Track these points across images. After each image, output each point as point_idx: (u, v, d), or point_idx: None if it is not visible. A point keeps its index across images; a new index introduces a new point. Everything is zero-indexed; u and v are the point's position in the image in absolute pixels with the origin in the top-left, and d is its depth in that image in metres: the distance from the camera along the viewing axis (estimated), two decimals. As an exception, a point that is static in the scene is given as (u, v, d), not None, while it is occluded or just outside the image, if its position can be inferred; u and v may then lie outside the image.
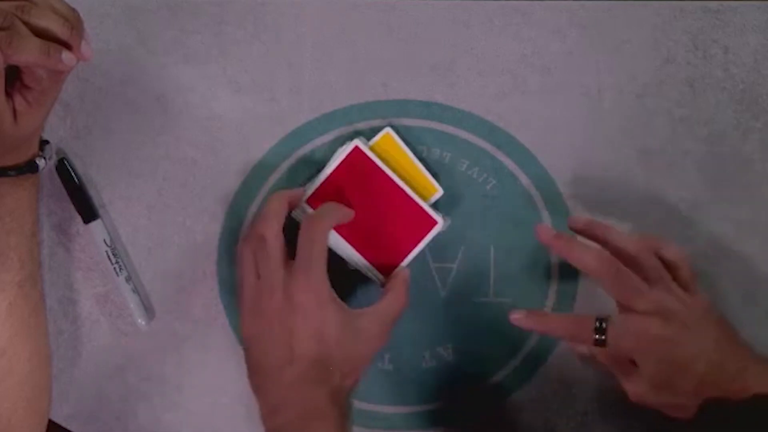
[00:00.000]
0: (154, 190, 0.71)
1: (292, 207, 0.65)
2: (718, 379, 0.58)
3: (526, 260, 0.70)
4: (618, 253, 0.62)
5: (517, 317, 0.64)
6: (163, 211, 0.71)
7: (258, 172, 0.70)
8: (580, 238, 0.65)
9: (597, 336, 0.60)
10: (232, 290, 0.71)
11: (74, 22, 0.56)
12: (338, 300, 0.62)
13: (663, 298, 0.60)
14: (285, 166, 0.70)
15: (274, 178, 0.70)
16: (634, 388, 0.61)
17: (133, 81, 0.70)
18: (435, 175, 0.69)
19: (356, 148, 0.67)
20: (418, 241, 0.68)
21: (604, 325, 0.60)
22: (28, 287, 0.65)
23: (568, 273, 0.69)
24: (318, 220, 0.63)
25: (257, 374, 0.62)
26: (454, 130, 0.69)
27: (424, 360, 0.70)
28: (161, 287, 0.71)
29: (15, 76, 0.58)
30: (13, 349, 0.64)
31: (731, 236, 0.69)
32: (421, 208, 0.67)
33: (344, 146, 0.68)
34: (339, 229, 0.67)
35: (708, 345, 0.59)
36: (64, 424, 0.71)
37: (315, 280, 0.61)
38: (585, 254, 0.62)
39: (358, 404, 0.71)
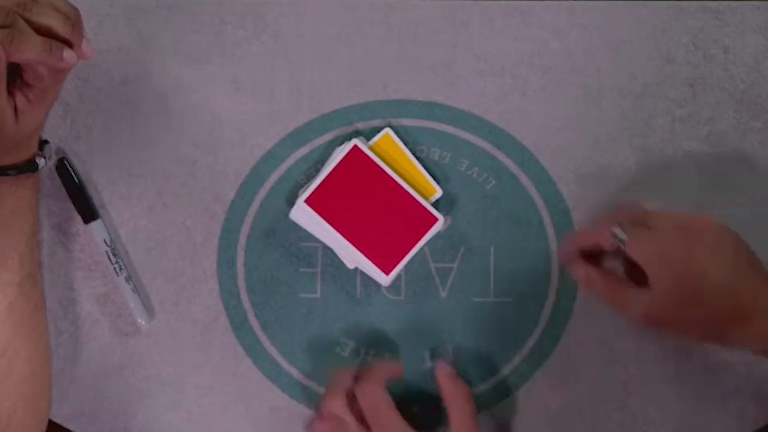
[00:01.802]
0: (154, 190, 0.71)
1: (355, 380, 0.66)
2: (733, 300, 0.58)
3: (526, 260, 0.70)
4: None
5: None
6: (163, 211, 0.71)
7: (258, 172, 0.70)
8: None
9: (615, 239, 0.61)
10: (232, 290, 0.71)
11: (75, 20, 0.56)
12: None
13: (673, 215, 0.61)
14: (285, 166, 0.70)
15: (274, 178, 0.70)
16: (646, 307, 0.60)
17: (133, 81, 0.70)
18: (434, 176, 0.69)
19: (355, 147, 0.67)
20: (419, 239, 0.68)
21: (623, 231, 0.61)
22: (28, 287, 0.65)
23: (567, 273, 0.69)
24: (373, 387, 0.64)
25: None
26: (454, 130, 0.69)
27: (424, 360, 0.70)
28: (161, 287, 0.71)
29: (16, 73, 0.58)
30: (13, 349, 0.63)
31: (731, 236, 0.69)
32: (421, 205, 0.67)
33: (343, 146, 0.68)
34: (339, 226, 0.67)
35: (724, 263, 0.59)
36: (64, 424, 0.71)
37: None
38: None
39: (358, 404, 0.71)
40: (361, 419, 0.64)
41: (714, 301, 0.58)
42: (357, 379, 0.66)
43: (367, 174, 0.67)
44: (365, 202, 0.68)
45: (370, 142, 0.68)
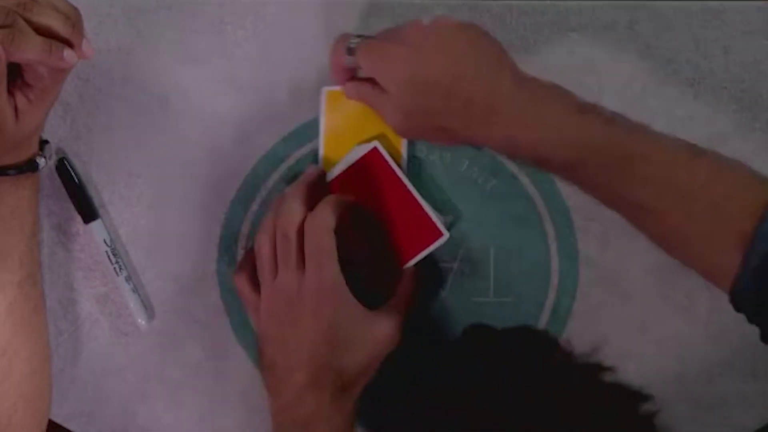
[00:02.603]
0: (154, 190, 0.71)
1: (312, 201, 0.63)
2: (465, 101, 0.57)
3: (526, 260, 0.70)
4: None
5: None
6: (163, 211, 0.71)
7: (258, 172, 0.70)
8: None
9: (349, 46, 0.61)
10: (232, 290, 0.71)
11: (75, 20, 0.57)
12: (352, 301, 0.61)
13: (406, 25, 0.60)
14: (285, 166, 0.70)
15: (274, 178, 0.70)
16: (390, 118, 0.61)
17: (133, 81, 0.70)
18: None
19: (375, 149, 0.67)
20: (422, 249, 0.67)
21: (356, 40, 0.61)
22: (28, 287, 0.65)
23: (567, 273, 0.69)
24: (321, 220, 0.62)
25: (270, 374, 0.63)
26: (454, 130, 0.69)
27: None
28: (161, 287, 0.71)
29: (16, 73, 0.58)
30: (13, 349, 0.64)
31: (731, 236, 0.69)
32: (429, 217, 0.67)
33: (362, 145, 0.68)
34: None
35: (449, 62, 0.57)
36: (64, 424, 0.71)
37: (327, 283, 0.61)
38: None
39: (358, 404, 0.71)
40: (301, 248, 0.62)
41: (444, 105, 0.57)
42: (310, 199, 0.63)
43: (382, 177, 0.67)
44: (374, 205, 0.67)
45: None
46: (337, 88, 0.67)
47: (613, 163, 0.56)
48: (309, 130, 0.70)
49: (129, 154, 0.70)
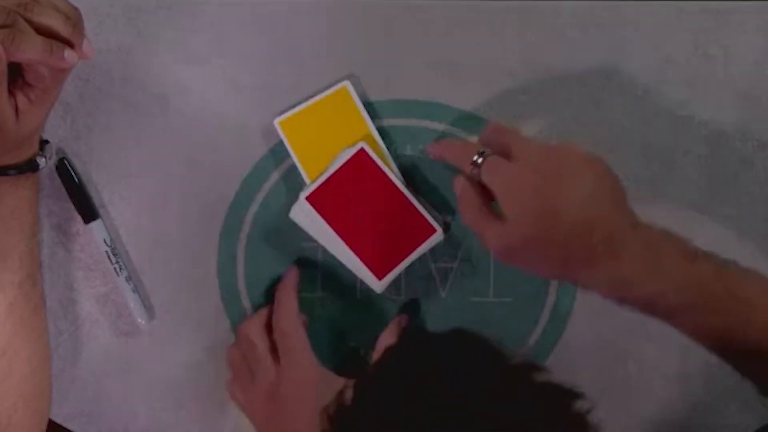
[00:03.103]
0: (154, 190, 0.71)
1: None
2: (585, 239, 0.56)
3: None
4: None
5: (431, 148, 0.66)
6: (163, 211, 0.71)
7: (258, 172, 0.70)
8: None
9: (474, 161, 0.60)
10: (232, 290, 0.71)
11: (76, 20, 0.57)
12: (330, 376, 0.65)
13: (535, 146, 0.59)
14: (285, 166, 0.70)
15: (274, 178, 0.70)
16: (498, 240, 0.59)
17: (133, 81, 0.70)
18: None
19: (362, 149, 0.67)
20: (415, 248, 0.68)
21: (484, 154, 0.60)
22: (29, 287, 0.65)
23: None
24: (284, 309, 0.67)
25: None
26: (454, 130, 0.69)
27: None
28: (161, 287, 0.71)
29: (17, 73, 0.58)
30: (13, 349, 0.64)
31: (731, 236, 0.69)
32: (421, 215, 0.67)
33: (349, 148, 0.68)
34: (337, 227, 0.67)
35: (577, 198, 0.56)
36: (64, 424, 0.71)
37: (303, 369, 0.65)
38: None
39: (358, 404, 0.71)
40: (274, 347, 0.66)
41: (564, 238, 0.56)
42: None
43: (371, 178, 0.67)
44: (366, 205, 0.68)
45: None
46: (287, 115, 0.68)
47: (728, 309, 0.55)
48: (309, 130, 0.70)
49: (129, 154, 0.70)
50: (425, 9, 0.69)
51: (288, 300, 0.67)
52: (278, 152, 0.70)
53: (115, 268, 0.69)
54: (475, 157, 0.60)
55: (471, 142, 0.62)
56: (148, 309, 0.71)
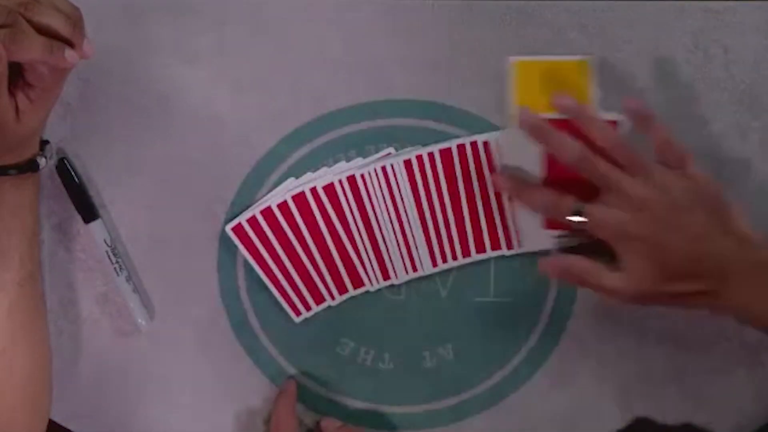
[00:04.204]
0: (154, 190, 0.71)
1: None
2: (702, 270, 0.57)
3: (526, 260, 0.70)
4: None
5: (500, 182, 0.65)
6: (163, 211, 0.71)
7: (258, 172, 0.70)
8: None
9: (571, 219, 0.60)
10: (232, 290, 0.71)
11: (77, 19, 0.57)
12: None
13: (639, 191, 0.59)
14: (285, 166, 0.70)
15: (274, 178, 0.70)
16: (622, 288, 0.59)
17: (133, 81, 0.70)
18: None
19: (302, 193, 0.69)
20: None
21: (581, 211, 0.59)
22: (29, 287, 0.65)
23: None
24: (284, 427, 0.67)
25: None
26: (454, 130, 0.69)
27: (424, 360, 0.70)
28: (161, 287, 0.71)
29: (17, 73, 0.58)
30: (14, 348, 0.63)
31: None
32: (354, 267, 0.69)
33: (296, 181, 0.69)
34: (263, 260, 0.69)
35: (693, 231, 0.57)
36: (64, 424, 0.71)
37: None
38: (558, 142, 0.62)
39: (358, 404, 0.71)
40: None
41: (685, 272, 0.57)
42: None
43: (309, 220, 0.69)
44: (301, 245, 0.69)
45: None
46: (523, 58, 0.68)
47: None
48: (309, 131, 0.70)
49: (129, 154, 0.70)
50: (425, 9, 0.69)
51: (287, 417, 0.68)
52: (278, 152, 0.70)
53: (115, 268, 0.69)
54: (573, 219, 0.60)
55: (562, 197, 0.61)
56: (148, 309, 0.71)
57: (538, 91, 0.68)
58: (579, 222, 0.60)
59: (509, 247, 0.69)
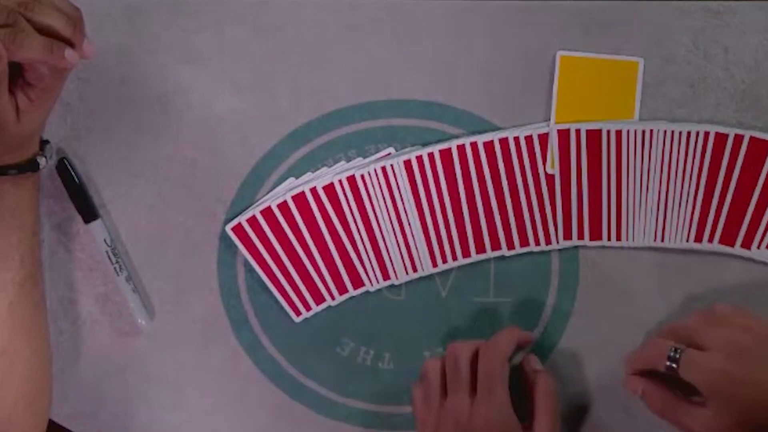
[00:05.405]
0: (154, 190, 0.71)
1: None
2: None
3: (526, 260, 0.70)
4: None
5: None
6: (163, 211, 0.71)
7: (258, 172, 0.70)
8: None
9: (669, 363, 0.60)
10: (232, 290, 0.71)
11: (77, 19, 0.57)
12: (518, 426, 0.62)
13: (730, 333, 0.59)
14: (285, 166, 0.70)
15: (274, 178, 0.70)
16: (705, 426, 0.59)
17: (133, 81, 0.70)
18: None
19: (302, 193, 0.69)
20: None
21: (678, 353, 0.59)
22: (29, 286, 0.65)
23: (567, 273, 0.69)
24: (497, 348, 0.64)
25: None
26: (454, 130, 0.69)
27: (424, 360, 0.70)
28: (161, 287, 0.71)
29: (17, 73, 0.58)
30: (14, 348, 0.64)
31: (731, 236, 0.69)
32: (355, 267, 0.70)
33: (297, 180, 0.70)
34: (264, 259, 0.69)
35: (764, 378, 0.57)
36: (64, 424, 0.71)
37: (497, 412, 0.62)
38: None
39: (358, 404, 0.71)
40: (473, 381, 0.64)
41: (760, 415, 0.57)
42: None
43: (310, 220, 0.69)
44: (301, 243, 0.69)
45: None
46: (570, 53, 0.68)
47: None
48: (309, 130, 0.70)
49: (129, 154, 0.70)
50: (425, 9, 0.69)
51: (508, 343, 0.65)
52: (278, 152, 0.70)
53: (115, 268, 0.69)
54: (669, 357, 0.60)
55: (660, 341, 0.61)
56: (148, 309, 0.71)
57: (581, 88, 0.68)
58: (672, 364, 0.60)
59: (509, 247, 0.69)
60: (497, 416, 0.62)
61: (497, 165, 0.68)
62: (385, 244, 0.69)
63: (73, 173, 0.69)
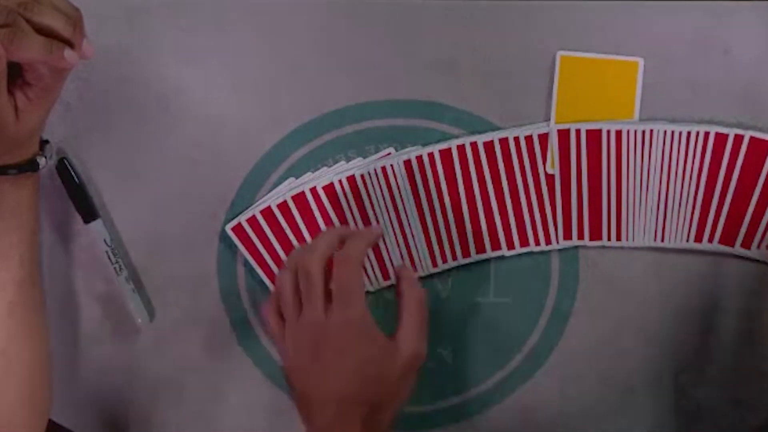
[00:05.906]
0: (154, 190, 0.71)
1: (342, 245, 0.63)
2: None
3: (526, 260, 0.70)
4: None
5: None
6: (163, 211, 0.71)
7: (258, 172, 0.70)
8: None
9: None
10: (232, 290, 0.71)
11: (76, 20, 0.57)
12: (378, 334, 0.60)
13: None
14: (285, 166, 0.70)
15: (274, 178, 0.70)
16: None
17: (133, 81, 0.70)
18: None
19: (302, 193, 0.69)
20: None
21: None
22: (29, 286, 0.65)
23: (567, 273, 0.69)
24: (350, 255, 0.61)
25: (302, 405, 0.61)
26: (454, 130, 0.69)
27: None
28: (161, 287, 0.71)
29: (17, 73, 0.58)
30: (13, 348, 0.63)
31: (731, 236, 0.69)
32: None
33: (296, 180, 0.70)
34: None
35: None
36: (64, 424, 0.71)
37: (354, 320, 0.59)
38: None
39: (358, 404, 0.71)
40: (326, 284, 0.61)
41: None
42: (342, 243, 0.62)
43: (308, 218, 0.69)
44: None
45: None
46: (570, 53, 0.68)
47: None
48: (309, 130, 0.70)
49: (129, 154, 0.70)
50: (425, 9, 0.69)
51: (360, 246, 0.61)
52: (278, 152, 0.70)
53: (115, 268, 0.69)
54: None
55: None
56: (148, 309, 0.71)
57: (581, 88, 0.68)
58: None
59: (509, 247, 0.69)
60: (355, 324, 0.59)
61: (497, 165, 0.68)
62: (385, 244, 0.69)
63: (73, 173, 0.69)
